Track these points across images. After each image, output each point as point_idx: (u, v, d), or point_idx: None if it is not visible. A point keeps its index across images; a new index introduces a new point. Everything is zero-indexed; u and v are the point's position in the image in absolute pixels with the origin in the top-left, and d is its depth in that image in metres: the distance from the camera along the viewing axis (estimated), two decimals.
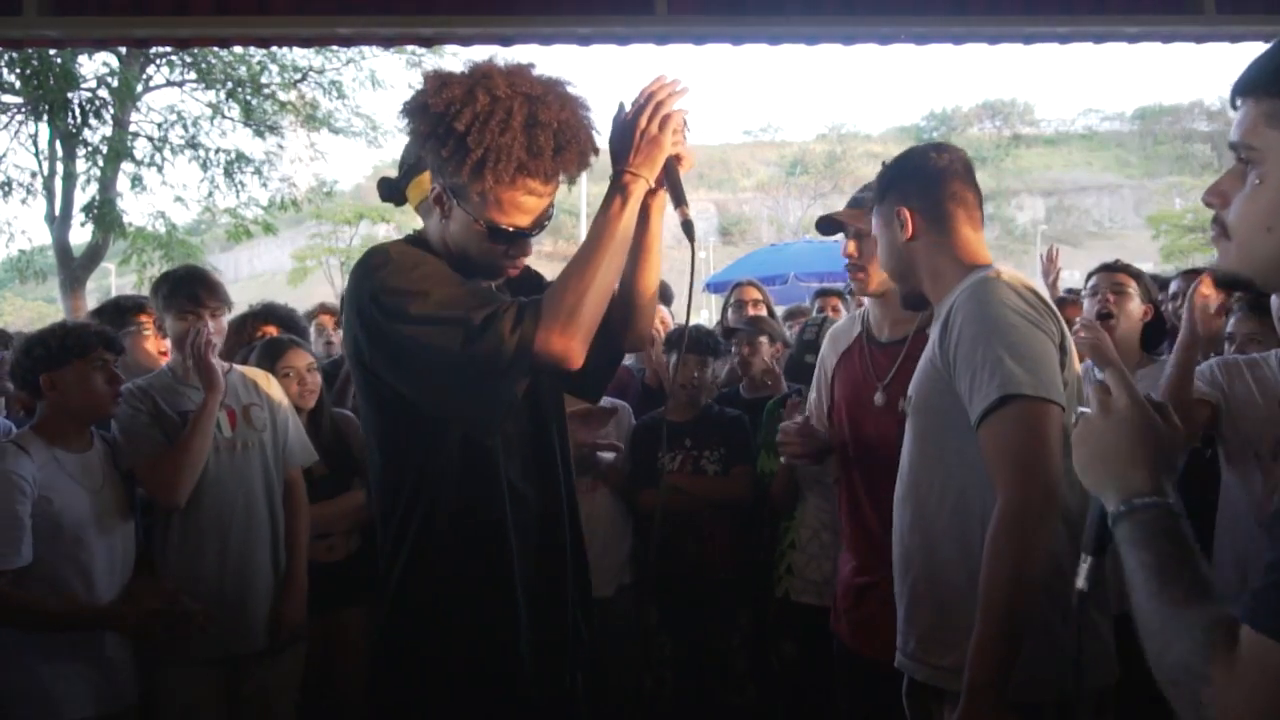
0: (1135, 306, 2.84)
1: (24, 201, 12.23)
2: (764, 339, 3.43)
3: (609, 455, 3.04)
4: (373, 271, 1.49)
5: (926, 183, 1.77)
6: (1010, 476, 1.48)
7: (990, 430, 1.51)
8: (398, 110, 1.52)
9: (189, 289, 2.59)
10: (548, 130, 1.45)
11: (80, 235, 12.85)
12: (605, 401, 3.31)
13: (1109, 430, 1.00)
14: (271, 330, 3.27)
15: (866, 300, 2.38)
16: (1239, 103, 0.90)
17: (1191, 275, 3.33)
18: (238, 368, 2.71)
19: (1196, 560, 0.88)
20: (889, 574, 1.84)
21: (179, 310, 2.57)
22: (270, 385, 2.71)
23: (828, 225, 2.37)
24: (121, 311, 2.99)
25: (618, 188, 1.48)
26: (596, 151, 1.56)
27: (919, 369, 1.75)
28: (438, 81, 1.46)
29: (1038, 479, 1.47)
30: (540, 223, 1.55)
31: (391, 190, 1.92)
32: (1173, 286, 3.53)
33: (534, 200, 1.50)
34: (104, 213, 11.88)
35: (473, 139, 1.41)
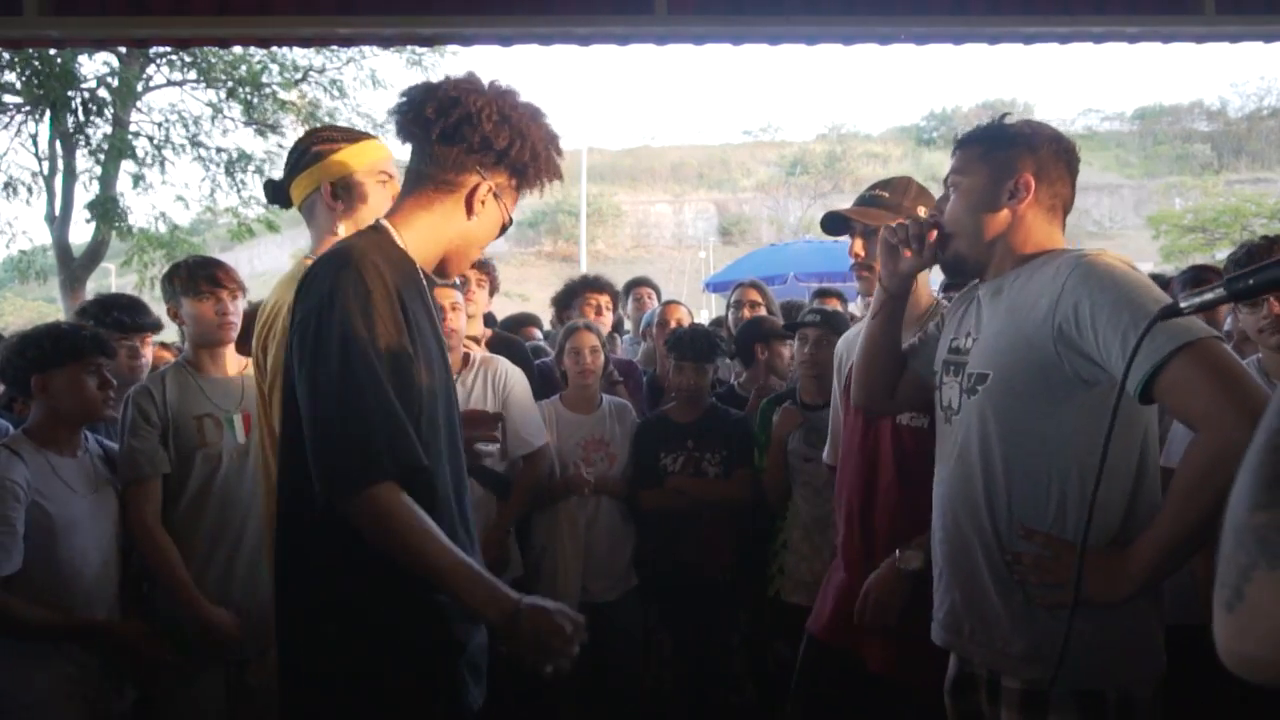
0: None
1: (27, 202, 12.24)
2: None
3: (490, 447, 2.96)
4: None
5: (1059, 158, 1.71)
6: (1223, 403, 1.36)
7: (1175, 376, 1.40)
8: (422, 107, 1.54)
9: (208, 270, 2.60)
10: (549, 138, 1.62)
11: (80, 235, 12.86)
12: (607, 401, 3.31)
13: None
14: None
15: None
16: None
17: (1202, 271, 3.34)
18: None
19: None
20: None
21: (197, 292, 2.56)
22: None
23: (834, 223, 2.32)
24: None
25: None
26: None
27: (997, 350, 1.64)
28: (458, 90, 1.54)
29: (1248, 404, 1.35)
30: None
31: (276, 191, 2.04)
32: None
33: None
34: (106, 210, 11.87)
35: (524, 143, 1.56)
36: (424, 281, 1.60)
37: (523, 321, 4.90)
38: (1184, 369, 1.39)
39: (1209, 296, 1.06)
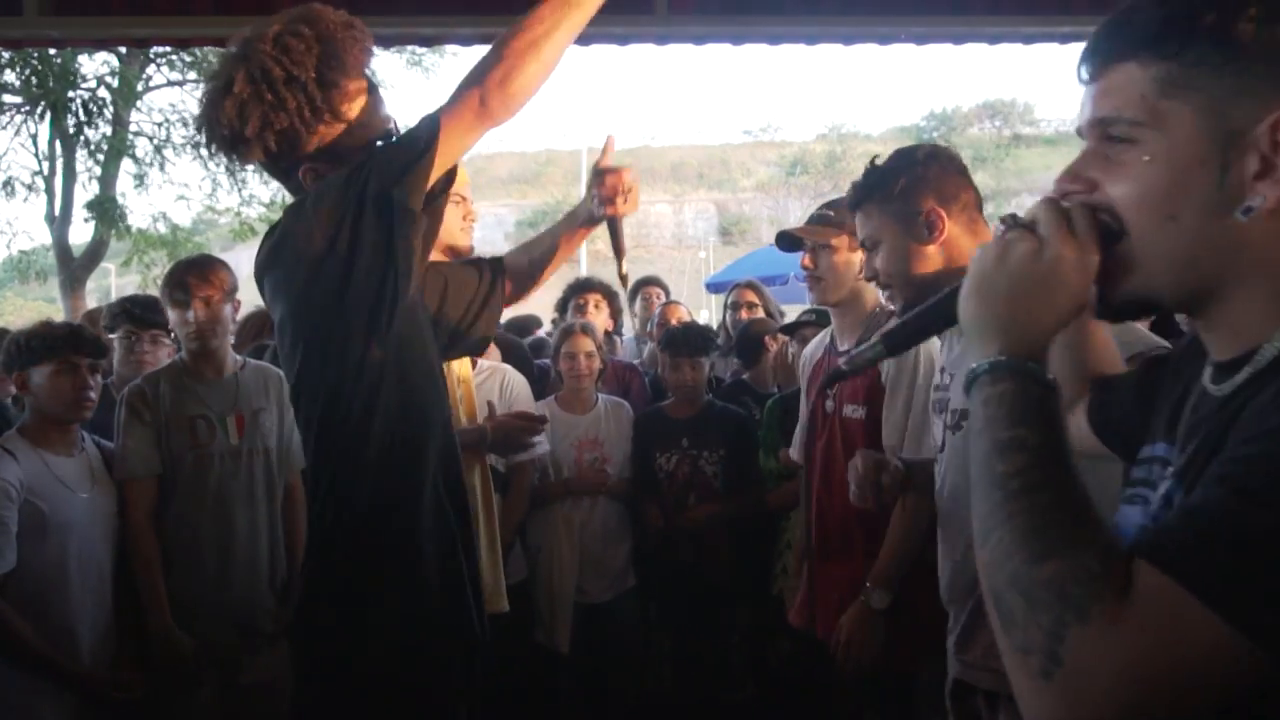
0: None
1: (25, 199, 12.24)
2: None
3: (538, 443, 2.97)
4: None
5: (946, 169, 1.72)
6: None
7: None
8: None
9: (179, 277, 2.56)
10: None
11: (80, 235, 12.87)
12: (603, 400, 3.31)
13: (1053, 263, 0.76)
14: None
15: (831, 311, 2.55)
16: (1102, 71, 0.76)
17: None
18: (251, 363, 2.70)
19: (1080, 475, 0.71)
20: (841, 561, 2.08)
21: (173, 300, 2.54)
22: (284, 386, 2.70)
23: (786, 242, 2.52)
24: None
25: None
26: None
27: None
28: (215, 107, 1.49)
29: None
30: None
31: None
32: None
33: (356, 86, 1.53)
34: (106, 209, 11.87)
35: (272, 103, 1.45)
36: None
37: (524, 325, 4.90)
38: None
39: (868, 355, 0.98)
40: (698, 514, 3.13)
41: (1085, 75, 0.77)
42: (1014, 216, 0.80)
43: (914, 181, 1.71)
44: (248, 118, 1.45)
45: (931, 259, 1.71)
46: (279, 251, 1.53)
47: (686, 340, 3.24)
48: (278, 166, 1.56)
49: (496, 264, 1.87)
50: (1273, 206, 0.69)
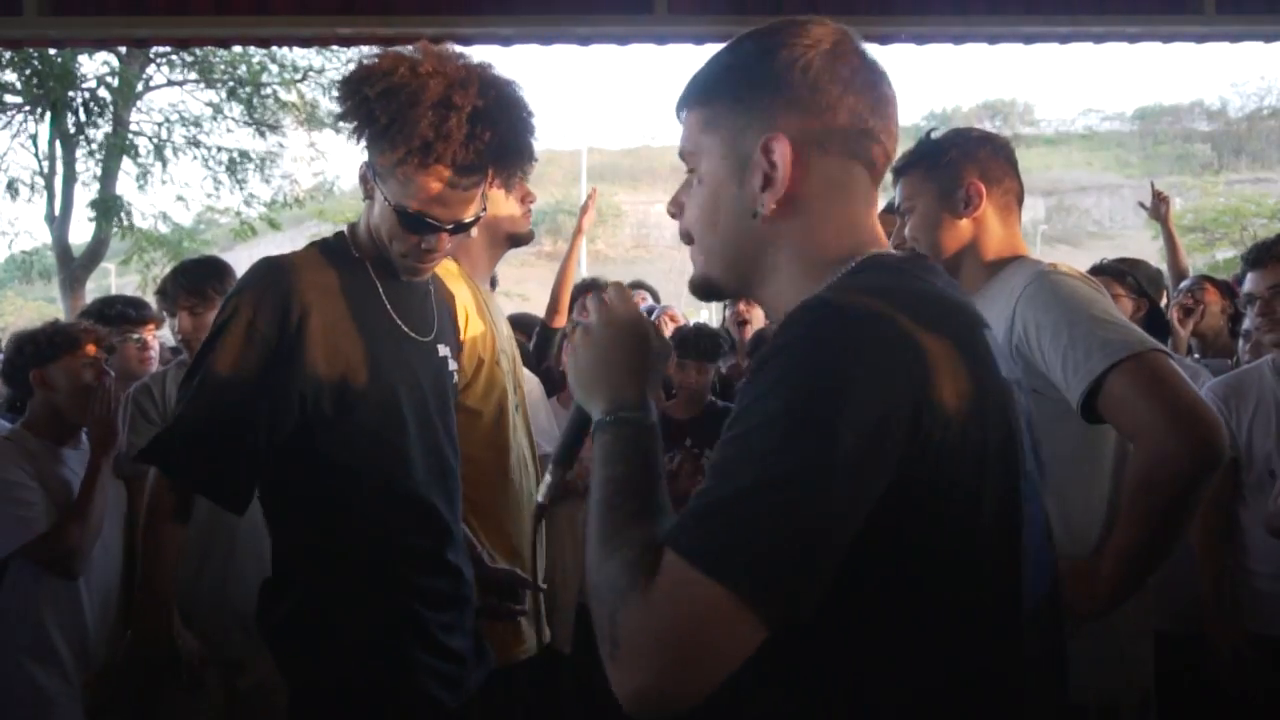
0: (1125, 305, 2.81)
1: (29, 200, 12.25)
2: None
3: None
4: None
5: (997, 156, 1.72)
6: (1155, 414, 1.38)
7: (1112, 392, 1.42)
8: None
9: (167, 285, 2.57)
10: (460, 114, 1.39)
11: (80, 235, 12.88)
12: None
13: (608, 339, 0.96)
14: None
15: None
16: (680, 117, 0.99)
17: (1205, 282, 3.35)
18: None
19: (660, 483, 0.86)
20: None
21: (174, 305, 2.54)
22: None
23: None
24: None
25: None
26: (526, 154, 1.51)
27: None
28: (369, 62, 1.44)
29: (1179, 413, 1.36)
30: (460, 220, 1.49)
31: None
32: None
33: (450, 192, 1.44)
34: (109, 206, 11.87)
35: (380, 109, 1.39)
36: (373, 279, 1.55)
37: (525, 323, 4.90)
38: (1120, 384, 1.41)
39: (552, 481, 1.19)
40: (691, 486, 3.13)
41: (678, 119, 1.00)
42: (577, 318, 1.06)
43: (963, 155, 1.71)
44: (429, 137, 1.39)
45: (961, 232, 1.71)
46: None
47: (697, 342, 3.24)
48: (371, 174, 1.51)
49: None
50: (774, 210, 0.89)
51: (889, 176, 1.70)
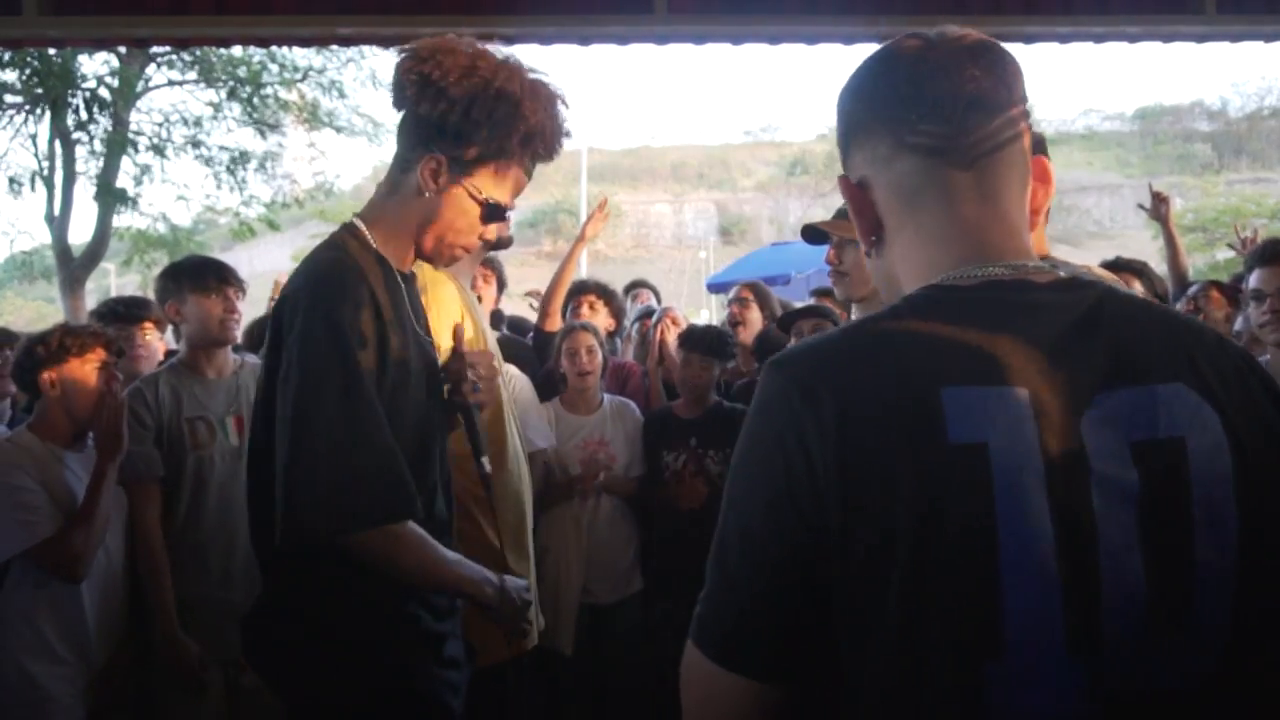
0: None
1: (27, 191, 12.21)
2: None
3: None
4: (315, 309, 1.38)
5: (1039, 154, 1.72)
6: None
7: None
8: (402, 71, 1.45)
9: (218, 269, 2.60)
10: (548, 108, 1.49)
11: (80, 235, 12.87)
12: (609, 400, 3.31)
13: None
14: None
15: (853, 307, 2.48)
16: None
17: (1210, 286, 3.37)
18: (251, 362, 2.70)
19: None
20: None
21: (206, 288, 2.55)
22: None
23: (813, 234, 2.47)
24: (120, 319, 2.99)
25: None
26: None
27: None
28: (434, 56, 1.43)
29: None
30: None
31: None
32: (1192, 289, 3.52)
33: (523, 182, 1.54)
34: (112, 197, 11.84)
35: (476, 108, 1.41)
36: (399, 282, 1.51)
37: (523, 326, 4.90)
38: None
39: None
40: (697, 492, 3.13)
41: None
42: None
43: None
44: (530, 133, 1.46)
45: None
46: None
47: (705, 339, 3.26)
48: (419, 140, 1.47)
49: None
50: (872, 245, 0.93)
51: None
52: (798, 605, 0.76)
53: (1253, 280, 2.33)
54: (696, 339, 3.26)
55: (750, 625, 0.78)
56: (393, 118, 1.54)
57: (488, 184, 1.49)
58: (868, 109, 0.88)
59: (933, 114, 0.83)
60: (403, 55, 1.46)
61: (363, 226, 1.52)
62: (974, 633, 0.72)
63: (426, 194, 1.47)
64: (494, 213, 1.51)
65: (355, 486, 1.33)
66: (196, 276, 2.57)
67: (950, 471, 0.72)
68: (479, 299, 3.16)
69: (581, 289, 4.13)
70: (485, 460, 1.62)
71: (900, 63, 0.86)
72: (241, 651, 1.53)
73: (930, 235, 0.85)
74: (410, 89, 1.43)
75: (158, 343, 3.09)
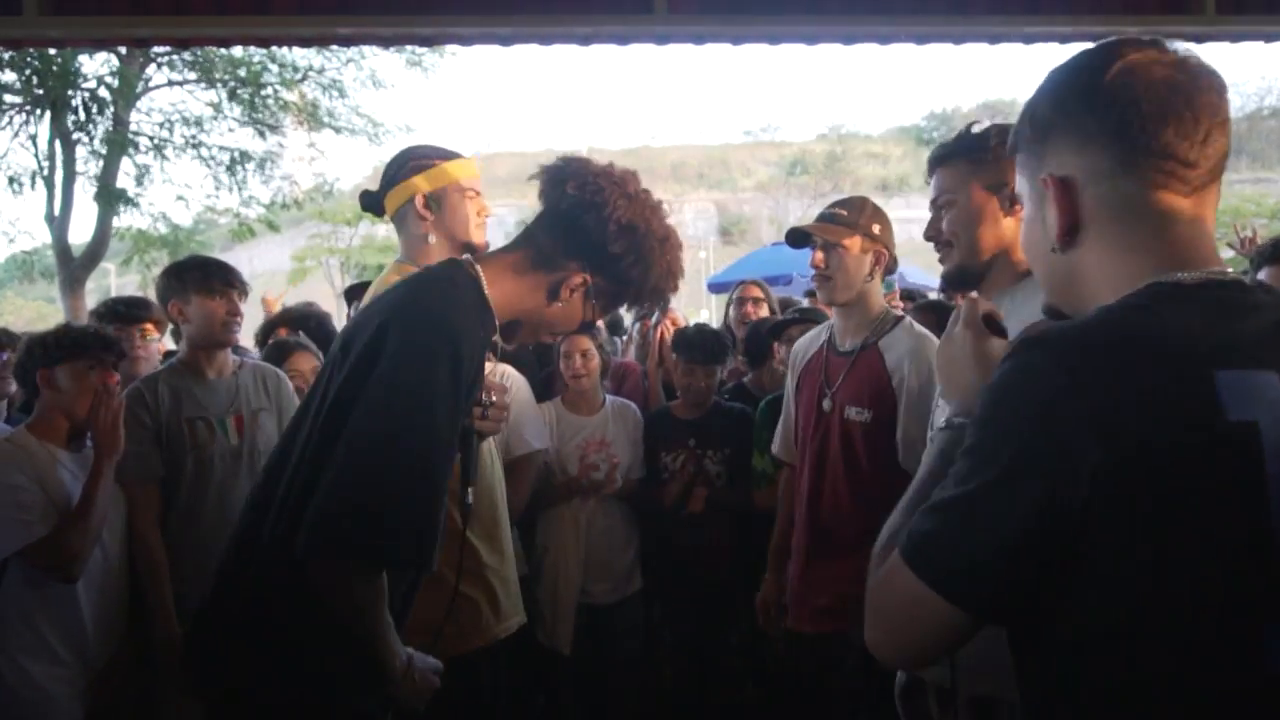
0: None
1: (27, 191, 12.20)
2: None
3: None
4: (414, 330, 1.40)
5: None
6: None
7: None
8: (566, 180, 1.53)
9: (223, 271, 2.60)
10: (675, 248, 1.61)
11: (80, 235, 12.87)
12: (610, 401, 3.31)
13: (955, 349, 1.12)
14: (283, 331, 3.29)
15: (833, 311, 2.55)
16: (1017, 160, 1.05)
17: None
18: (250, 363, 2.70)
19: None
20: (830, 559, 2.23)
21: (210, 289, 2.55)
22: (281, 384, 2.71)
23: (797, 237, 2.52)
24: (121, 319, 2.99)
25: None
26: None
27: None
28: (607, 179, 1.53)
29: None
30: None
31: (372, 201, 2.14)
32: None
33: None
34: (112, 197, 11.83)
35: (632, 251, 1.52)
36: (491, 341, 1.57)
37: None
38: None
39: None
40: (697, 496, 3.13)
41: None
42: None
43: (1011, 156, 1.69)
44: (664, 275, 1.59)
45: (1004, 232, 1.65)
46: None
47: (701, 345, 3.22)
48: (574, 251, 1.55)
49: None
50: (1064, 242, 0.98)
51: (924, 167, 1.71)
52: (1030, 563, 0.83)
53: (1260, 279, 2.34)
54: (695, 347, 3.22)
55: (980, 573, 0.85)
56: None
57: (609, 306, 1.65)
58: (1095, 120, 0.91)
59: (1173, 146, 0.88)
60: (583, 167, 1.55)
61: (480, 274, 1.54)
62: (1253, 596, 0.80)
63: (560, 303, 1.56)
64: (587, 327, 1.66)
65: (405, 526, 1.34)
66: (201, 277, 2.57)
67: (1227, 448, 0.80)
68: None
69: None
70: (471, 491, 1.62)
71: (1142, 80, 0.89)
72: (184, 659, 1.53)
73: (1137, 246, 0.92)
74: (579, 203, 1.51)
75: (157, 343, 3.09)
